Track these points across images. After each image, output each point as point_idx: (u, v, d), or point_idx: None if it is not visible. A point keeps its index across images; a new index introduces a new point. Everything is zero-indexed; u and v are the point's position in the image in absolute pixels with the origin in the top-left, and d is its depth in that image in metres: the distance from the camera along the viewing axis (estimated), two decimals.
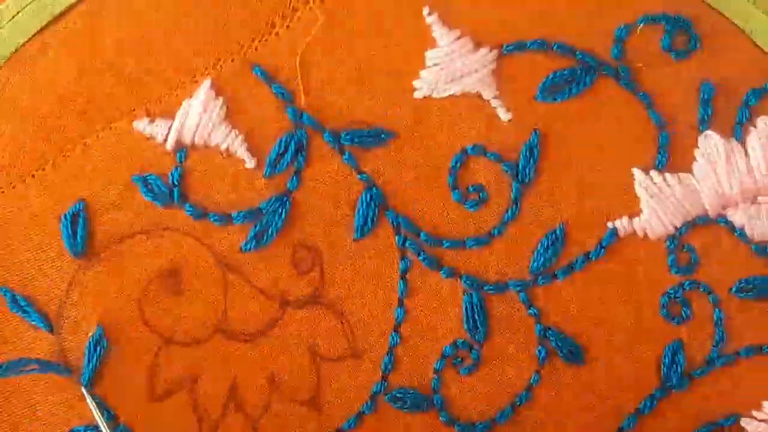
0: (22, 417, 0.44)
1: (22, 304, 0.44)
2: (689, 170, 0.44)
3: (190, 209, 0.43)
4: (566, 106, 0.44)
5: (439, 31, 0.43)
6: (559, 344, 0.44)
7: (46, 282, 0.44)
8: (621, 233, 0.44)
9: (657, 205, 0.44)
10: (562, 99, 0.44)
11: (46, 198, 0.43)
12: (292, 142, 0.44)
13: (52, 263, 0.44)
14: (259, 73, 0.43)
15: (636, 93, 0.44)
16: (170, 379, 0.44)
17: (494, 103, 0.44)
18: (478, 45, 0.44)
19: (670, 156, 0.44)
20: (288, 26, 0.43)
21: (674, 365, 0.45)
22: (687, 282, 0.45)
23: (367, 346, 0.45)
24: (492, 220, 0.44)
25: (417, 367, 0.45)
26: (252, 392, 0.45)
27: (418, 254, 0.44)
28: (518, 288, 0.44)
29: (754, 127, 0.44)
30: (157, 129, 0.43)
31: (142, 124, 0.43)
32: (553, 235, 0.44)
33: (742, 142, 0.44)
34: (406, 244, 0.44)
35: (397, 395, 0.45)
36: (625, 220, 0.44)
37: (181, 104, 0.43)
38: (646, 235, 0.44)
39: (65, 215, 0.43)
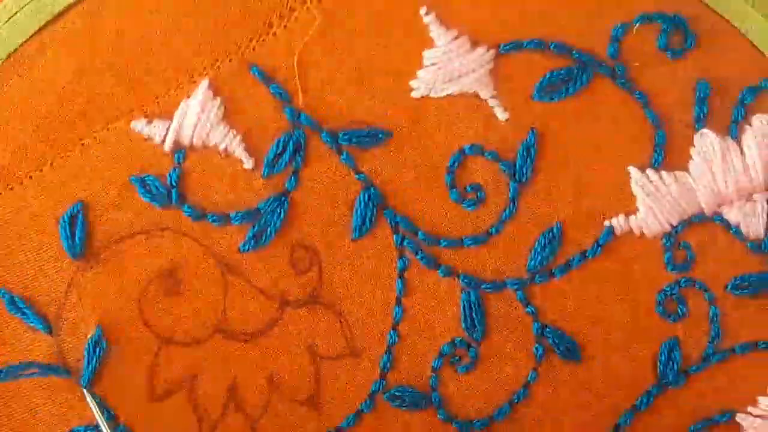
0: (22, 420, 0.44)
1: (21, 305, 0.43)
2: (685, 168, 0.44)
3: (189, 210, 0.43)
4: (563, 106, 0.44)
5: (436, 31, 0.43)
6: (557, 342, 0.45)
7: (44, 283, 0.44)
8: (617, 231, 0.44)
9: (653, 203, 0.44)
10: (558, 98, 0.44)
11: (44, 199, 0.43)
12: (290, 142, 0.44)
13: (51, 264, 0.44)
14: (256, 73, 0.43)
15: (632, 92, 0.44)
16: (170, 380, 0.44)
17: (491, 102, 0.44)
18: (475, 45, 0.44)
19: (667, 154, 0.44)
20: (285, 26, 0.43)
21: (670, 362, 0.45)
22: (683, 279, 0.45)
23: (365, 345, 0.45)
24: (489, 219, 0.45)
25: (415, 365, 0.45)
26: (251, 392, 0.45)
27: (416, 253, 0.44)
28: (516, 286, 0.45)
29: (750, 125, 0.44)
30: (155, 130, 0.43)
31: (140, 125, 0.43)
32: (550, 234, 0.44)
33: (738, 141, 0.44)
34: (404, 244, 0.44)
35: (396, 393, 0.45)
36: (621, 218, 0.44)
37: (179, 104, 0.43)
38: (642, 233, 0.44)
39: (64, 216, 0.43)
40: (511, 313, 0.45)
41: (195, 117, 0.43)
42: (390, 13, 0.44)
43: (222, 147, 0.43)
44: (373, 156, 0.44)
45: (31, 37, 0.43)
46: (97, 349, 0.43)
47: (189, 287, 0.44)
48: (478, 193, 0.44)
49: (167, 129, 0.43)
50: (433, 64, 0.43)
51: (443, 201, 0.44)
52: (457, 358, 0.45)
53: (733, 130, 0.44)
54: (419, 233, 0.44)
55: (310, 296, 0.44)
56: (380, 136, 0.44)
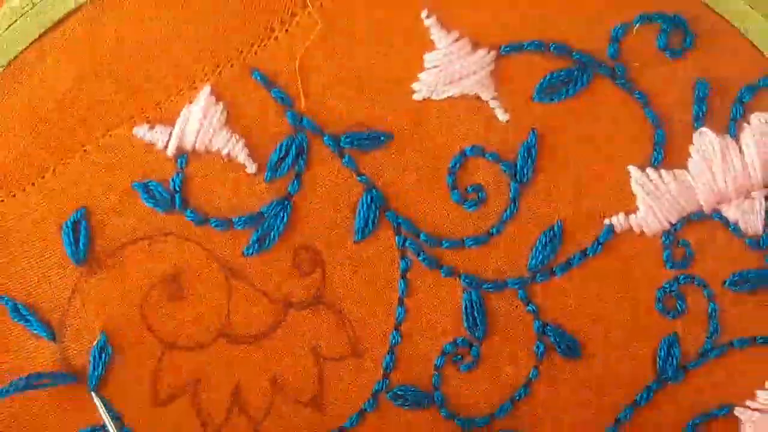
0: (27, 425, 0.44)
1: (24, 312, 0.43)
2: (684, 167, 0.44)
3: (192, 215, 0.43)
4: (563, 106, 0.44)
5: (437, 34, 0.43)
6: (557, 340, 0.45)
7: (48, 290, 0.44)
8: (618, 230, 0.45)
9: (653, 201, 0.44)
10: (559, 99, 0.44)
11: (47, 206, 0.43)
12: (293, 146, 0.43)
13: (54, 271, 0.43)
14: (258, 78, 0.43)
15: (632, 92, 0.44)
16: (174, 384, 0.44)
17: (492, 104, 0.44)
18: (476, 47, 0.43)
19: (666, 153, 0.44)
20: (287, 30, 0.43)
21: (670, 358, 0.45)
22: (682, 276, 0.45)
23: (368, 345, 0.45)
24: (491, 219, 0.45)
25: (418, 364, 0.45)
26: (255, 395, 0.45)
27: (418, 254, 0.44)
28: (517, 285, 0.45)
29: (748, 123, 0.44)
30: (157, 135, 0.43)
31: (142, 131, 0.43)
32: (551, 233, 0.45)
33: (737, 139, 0.44)
34: (406, 245, 0.44)
35: (399, 393, 0.45)
36: (621, 216, 0.44)
37: (181, 110, 0.43)
38: (642, 231, 0.45)
39: (66, 223, 0.43)
40: (513, 312, 0.45)
41: (197, 122, 0.43)
42: (391, 21, 0.43)
43: (225, 152, 0.43)
44: (375, 159, 0.44)
45: (31, 44, 0.43)
46: (103, 355, 0.43)
47: (192, 292, 0.44)
48: (480, 194, 0.44)
49: (170, 134, 0.43)
50: (434, 67, 0.43)
51: (445, 202, 0.44)
52: (459, 357, 0.45)
53: (732, 128, 0.44)
54: (421, 234, 0.44)
55: (314, 298, 0.45)
56: (382, 138, 0.44)
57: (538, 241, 0.45)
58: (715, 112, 0.44)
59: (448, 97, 0.44)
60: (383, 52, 0.44)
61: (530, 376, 0.45)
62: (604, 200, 0.45)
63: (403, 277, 0.45)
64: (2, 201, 0.43)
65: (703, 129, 0.44)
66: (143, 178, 0.43)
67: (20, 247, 0.43)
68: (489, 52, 0.44)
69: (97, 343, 0.43)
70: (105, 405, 0.44)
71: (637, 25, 0.44)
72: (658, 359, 0.45)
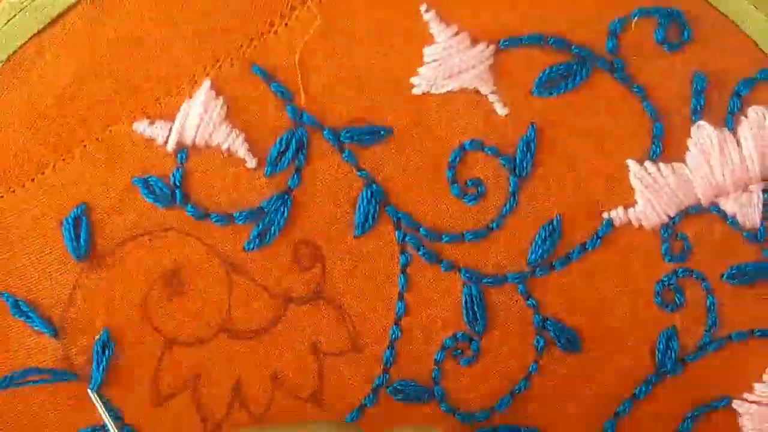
0: (27, 423, 0.44)
1: (25, 309, 0.43)
2: (683, 160, 0.44)
3: (192, 210, 0.43)
4: (562, 100, 0.44)
5: (436, 28, 0.43)
6: (557, 334, 0.45)
7: (49, 286, 0.43)
8: (616, 223, 0.45)
9: (651, 195, 0.44)
10: (558, 93, 0.44)
11: (47, 202, 0.43)
12: (293, 141, 0.43)
13: (55, 267, 0.43)
14: (258, 72, 0.43)
15: (631, 86, 0.44)
16: (175, 380, 0.44)
17: (491, 98, 0.44)
18: (475, 41, 0.43)
19: (665, 147, 0.44)
20: (286, 24, 0.43)
21: (668, 351, 0.45)
22: (680, 269, 0.45)
23: (368, 340, 0.45)
24: (490, 213, 0.45)
25: (418, 359, 0.45)
26: (255, 390, 0.45)
27: (418, 249, 0.44)
28: (517, 280, 0.45)
29: (746, 117, 0.44)
30: (157, 131, 0.43)
31: (142, 126, 0.43)
32: (551, 227, 0.45)
33: (734, 132, 0.44)
34: (406, 239, 0.44)
35: (399, 387, 0.45)
36: (620, 210, 0.45)
37: (181, 105, 0.43)
38: (641, 225, 0.45)
39: (67, 219, 0.43)
40: (512, 307, 0.45)
41: (197, 117, 0.43)
42: (390, 20, 0.43)
43: (225, 147, 0.43)
44: (375, 153, 0.44)
45: (30, 39, 0.42)
46: (106, 351, 0.43)
47: (193, 287, 0.44)
48: (479, 188, 0.44)
49: (170, 130, 0.43)
50: (433, 61, 0.43)
51: (444, 197, 0.44)
52: (459, 351, 0.45)
53: (729, 121, 0.44)
54: (421, 229, 0.44)
55: (314, 293, 0.45)
56: (382, 133, 0.44)
57: (537, 236, 0.45)
58: (713, 105, 0.44)
59: (448, 91, 0.44)
60: (383, 52, 0.44)
61: (530, 370, 0.46)
62: (603, 194, 0.45)
63: (403, 271, 0.45)
64: (2, 197, 0.43)
65: (701, 122, 0.44)
66: (143, 173, 0.43)
67: (20, 243, 0.43)
68: (488, 46, 0.44)
69: (100, 339, 0.43)
70: (105, 405, 0.44)
71: (636, 18, 0.44)
72: (657, 352, 0.45)
